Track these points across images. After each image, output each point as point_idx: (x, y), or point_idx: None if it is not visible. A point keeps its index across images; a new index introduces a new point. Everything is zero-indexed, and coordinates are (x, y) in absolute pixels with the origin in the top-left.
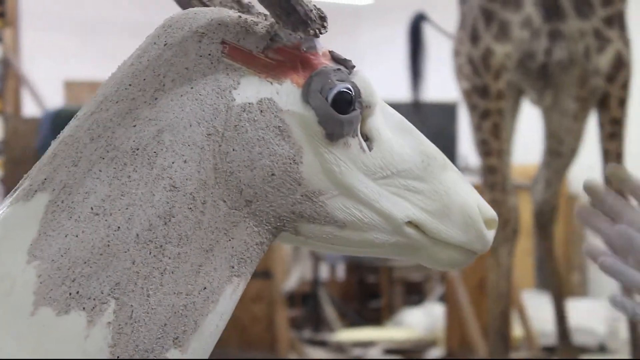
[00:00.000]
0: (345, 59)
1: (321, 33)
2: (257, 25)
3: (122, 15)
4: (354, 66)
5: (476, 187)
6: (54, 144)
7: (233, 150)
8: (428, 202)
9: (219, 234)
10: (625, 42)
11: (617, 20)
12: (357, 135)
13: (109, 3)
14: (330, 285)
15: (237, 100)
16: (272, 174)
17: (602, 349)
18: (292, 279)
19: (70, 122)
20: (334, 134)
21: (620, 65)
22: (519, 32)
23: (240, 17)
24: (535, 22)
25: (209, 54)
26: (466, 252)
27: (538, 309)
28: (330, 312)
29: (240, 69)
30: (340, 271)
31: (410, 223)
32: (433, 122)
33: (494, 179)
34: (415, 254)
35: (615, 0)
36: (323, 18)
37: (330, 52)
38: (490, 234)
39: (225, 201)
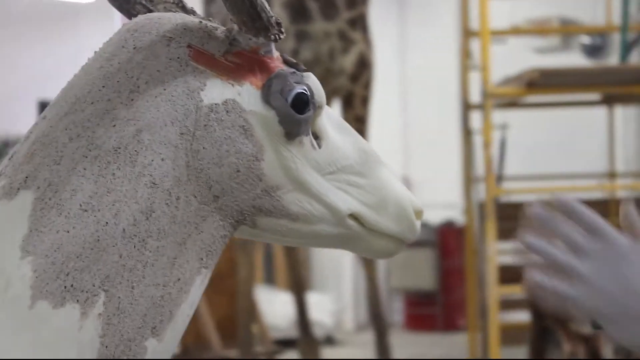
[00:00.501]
0: (296, 62)
1: (280, 38)
2: (216, 30)
3: None
4: (305, 69)
5: None
6: (26, 143)
7: (203, 148)
8: (367, 196)
9: (191, 227)
10: (369, 43)
11: (361, 23)
12: (309, 134)
13: None
14: None
15: (204, 101)
16: (238, 171)
17: (329, 340)
18: None
19: (39, 122)
20: (292, 133)
21: (364, 65)
22: None
23: (201, 22)
24: (283, 23)
25: (178, 57)
26: (399, 242)
27: (268, 304)
28: None
29: (205, 72)
30: None
31: (351, 215)
32: None
33: None
34: (353, 244)
35: (359, 3)
36: (279, 24)
37: (282, 55)
38: (418, 224)
39: (196, 196)
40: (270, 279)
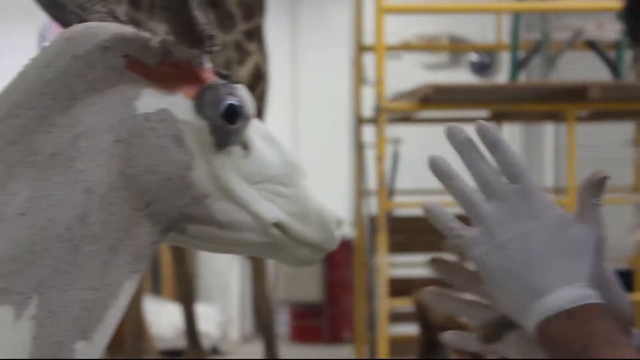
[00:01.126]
0: (226, 74)
1: (212, 51)
2: (151, 40)
3: None
4: (235, 81)
5: None
6: None
7: (136, 156)
8: (292, 206)
9: (122, 233)
10: (264, 55)
11: (257, 34)
12: (239, 144)
13: None
14: None
15: (139, 110)
16: (169, 179)
17: (215, 351)
18: None
19: None
20: (223, 143)
21: (259, 77)
22: None
23: (136, 32)
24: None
25: (114, 67)
26: (320, 250)
27: (155, 314)
28: None
29: (140, 81)
30: None
31: (276, 224)
32: None
33: None
34: (277, 252)
35: (255, 14)
36: (212, 37)
37: (212, 67)
38: (338, 234)
39: (128, 203)
40: (156, 290)
